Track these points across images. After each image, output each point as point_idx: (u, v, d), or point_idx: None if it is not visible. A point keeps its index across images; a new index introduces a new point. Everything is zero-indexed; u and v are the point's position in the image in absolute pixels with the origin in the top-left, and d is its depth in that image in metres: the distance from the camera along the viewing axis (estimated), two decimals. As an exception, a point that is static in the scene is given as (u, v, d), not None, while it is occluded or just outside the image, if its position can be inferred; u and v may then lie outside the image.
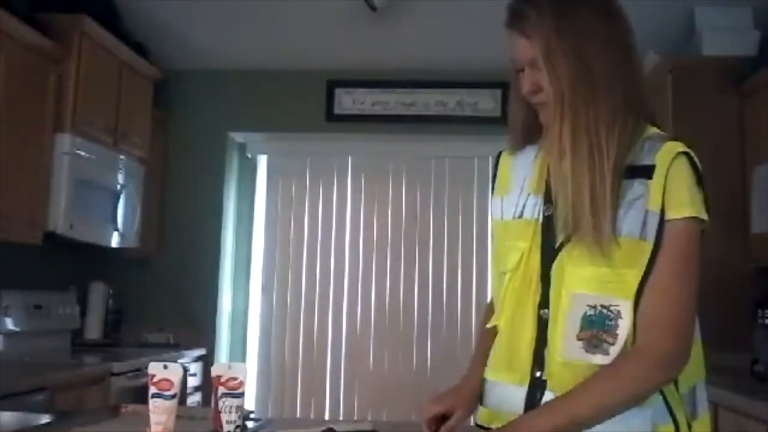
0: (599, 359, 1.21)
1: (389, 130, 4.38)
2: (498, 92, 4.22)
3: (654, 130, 1.29)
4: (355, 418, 4.30)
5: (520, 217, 1.33)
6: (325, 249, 4.52)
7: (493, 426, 1.29)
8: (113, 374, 3.07)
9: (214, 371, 1.39)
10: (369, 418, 4.36)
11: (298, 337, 4.48)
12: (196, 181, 4.37)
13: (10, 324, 3.21)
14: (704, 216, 1.22)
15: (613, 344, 1.21)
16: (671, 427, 1.22)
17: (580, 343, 1.22)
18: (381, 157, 4.54)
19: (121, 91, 3.69)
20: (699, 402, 1.28)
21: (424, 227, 4.50)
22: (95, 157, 3.43)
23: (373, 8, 3.73)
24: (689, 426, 1.24)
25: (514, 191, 1.37)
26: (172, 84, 4.31)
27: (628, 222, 1.20)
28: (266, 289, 4.53)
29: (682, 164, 1.22)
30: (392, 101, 4.37)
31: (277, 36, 4.11)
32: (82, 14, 3.32)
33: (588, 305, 1.22)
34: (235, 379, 1.37)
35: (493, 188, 1.45)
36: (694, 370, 1.27)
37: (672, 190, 1.20)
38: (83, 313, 3.88)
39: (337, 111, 4.39)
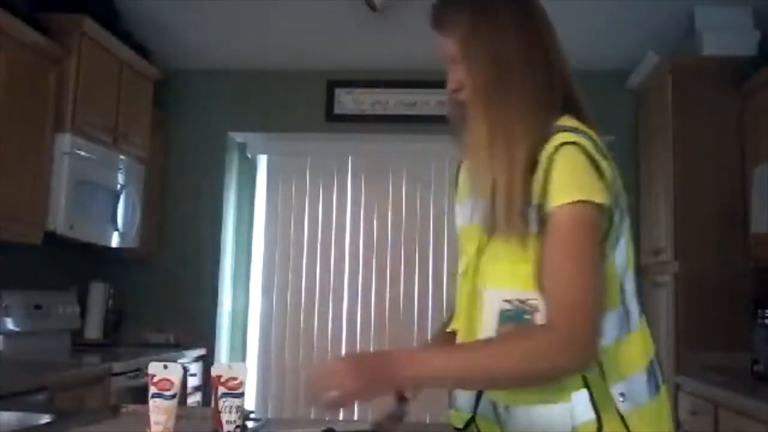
0: None
1: (389, 130, 4.37)
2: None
3: (563, 122, 1.26)
4: (355, 418, 4.30)
5: (471, 221, 1.35)
6: (325, 249, 4.52)
7: (458, 424, 1.33)
8: (113, 374, 3.06)
9: (214, 371, 1.39)
10: (369, 418, 4.38)
11: (298, 337, 4.47)
12: (196, 181, 4.37)
13: (10, 324, 3.21)
14: (596, 198, 1.18)
15: None
16: (594, 423, 1.19)
17: None
18: (381, 157, 4.54)
19: (121, 91, 3.69)
20: (636, 393, 1.23)
21: (424, 227, 4.50)
22: (95, 157, 3.42)
23: (373, 8, 3.73)
24: (623, 419, 1.20)
25: (469, 197, 1.38)
26: (172, 84, 4.31)
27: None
28: (266, 289, 4.53)
29: (563, 154, 1.20)
30: (392, 101, 4.37)
31: (277, 36, 4.10)
32: (82, 14, 3.32)
33: (504, 300, 1.24)
34: (235, 379, 1.37)
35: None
36: (628, 363, 1.23)
37: (551, 180, 1.19)
38: (83, 313, 3.88)
39: (337, 111, 4.38)
